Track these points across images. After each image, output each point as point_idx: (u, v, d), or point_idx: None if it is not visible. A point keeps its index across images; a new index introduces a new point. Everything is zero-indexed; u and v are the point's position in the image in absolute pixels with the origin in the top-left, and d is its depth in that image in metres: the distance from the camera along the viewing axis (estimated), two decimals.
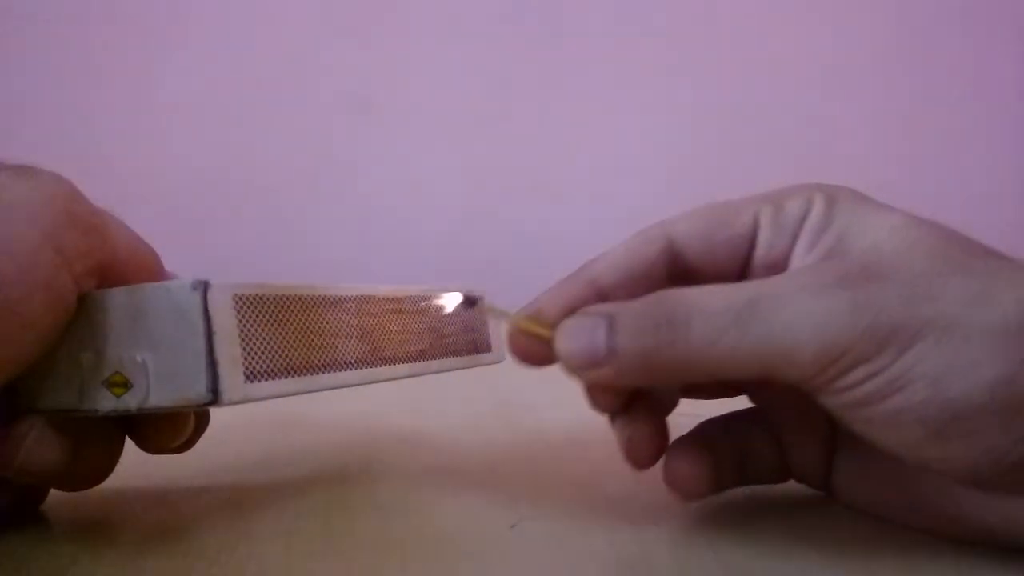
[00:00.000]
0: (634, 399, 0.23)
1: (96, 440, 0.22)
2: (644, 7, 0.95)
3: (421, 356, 0.24)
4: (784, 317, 0.18)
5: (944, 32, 0.98)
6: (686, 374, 0.20)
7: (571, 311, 0.21)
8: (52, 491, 0.25)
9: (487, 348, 0.28)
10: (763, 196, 0.23)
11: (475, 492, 0.26)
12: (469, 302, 0.22)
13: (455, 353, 0.26)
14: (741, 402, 0.26)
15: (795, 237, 0.22)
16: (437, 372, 0.25)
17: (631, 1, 0.95)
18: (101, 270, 0.21)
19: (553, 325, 0.21)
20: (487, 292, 0.28)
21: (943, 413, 0.17)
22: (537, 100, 0.95)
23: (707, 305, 0.19)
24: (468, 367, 0.27)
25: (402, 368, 0.24)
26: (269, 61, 0.91)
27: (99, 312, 0.19)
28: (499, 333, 0.29)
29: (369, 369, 0.22)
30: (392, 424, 0.37)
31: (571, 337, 0.20)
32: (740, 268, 0.23)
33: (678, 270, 0.23)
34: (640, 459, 0.23)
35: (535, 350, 0.22)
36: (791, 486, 0.25)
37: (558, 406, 0.41)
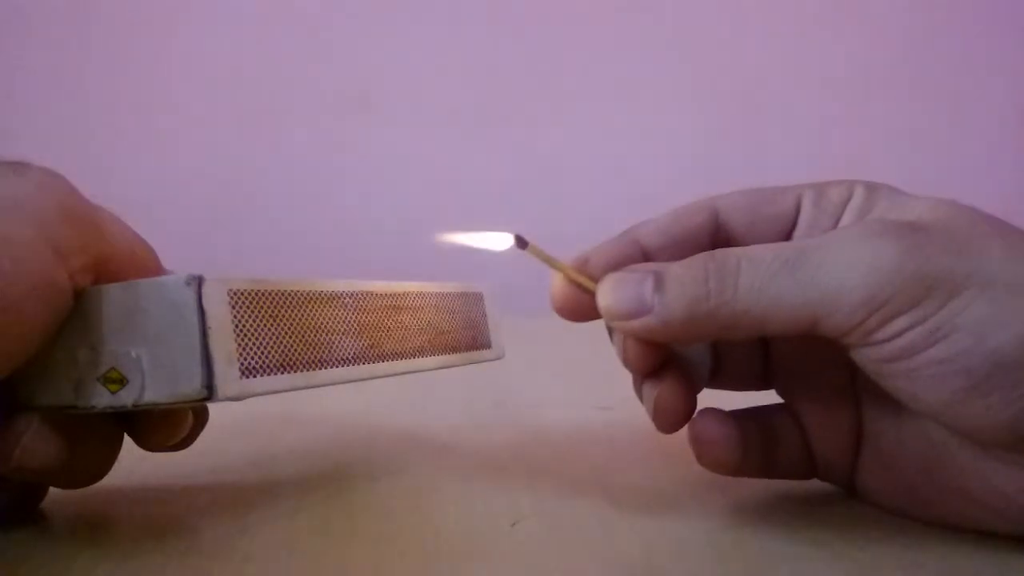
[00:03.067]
0: (665, 365, 0.23)
1: (94, 437, 0.22)
2: (646, 5, 0.95)
3: (420, 352, 0.24)
4: (831, 264, 0.19)
5: (946, 34, 0.97)
6: (732, 325, 0.20)
7: (615, 267, 0.22)
8: (51, 489, 0.25)
9: (487, 345, 0.28)
10: (806, 183, 0.23)
11: (475, 492, 0.26)
12: (521, 243, 0.22)
13: (455, 350, 0.26)
14: (767, 398, 0.25)
15: (837, 219, 0.22)
16: (436, 369, 0.25)
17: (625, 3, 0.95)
18: (97, 266, 0.21)
19: (596, 279, 0.22)
20: (486, 289, 0.28)
21: (985, 363, 0.17)
22: (537, 98, 0.95)
23: (756, 254, 0.19)
24: (468, 364, 0.27)
25: (400, 365, 0.23)
26: (270, 59, 0.91)
27: (95, 308, 0.19)
28: (500, 330, 0.29)
29: (367, 366, 0.22)
30: (392, 423, 0.37)
31: (617, 287, 0.21)
32: None
33: (720, 241, 0.23)
34: (666, 420, 0.23)
35: (576, 301, 0.22)
36: (800, 486, 0.25)
37: (558, 405, 0.41)
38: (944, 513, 0.21)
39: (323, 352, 0.21)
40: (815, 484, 0.25)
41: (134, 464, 0.25)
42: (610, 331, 0.24)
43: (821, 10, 0.97)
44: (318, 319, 0.21)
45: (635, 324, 0.21)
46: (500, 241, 0.23)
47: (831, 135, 0.97)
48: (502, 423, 0.37)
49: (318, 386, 0.21)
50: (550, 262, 0.23)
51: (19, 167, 0.20)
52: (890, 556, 0.20)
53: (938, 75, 0.97)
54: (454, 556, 0.21)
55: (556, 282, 0.23)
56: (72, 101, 0.89)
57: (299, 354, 0.20)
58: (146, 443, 0.23)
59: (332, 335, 0.21)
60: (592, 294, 0.22)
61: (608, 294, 0.21)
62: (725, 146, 0.96)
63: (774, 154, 0.94)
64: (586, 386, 0.46)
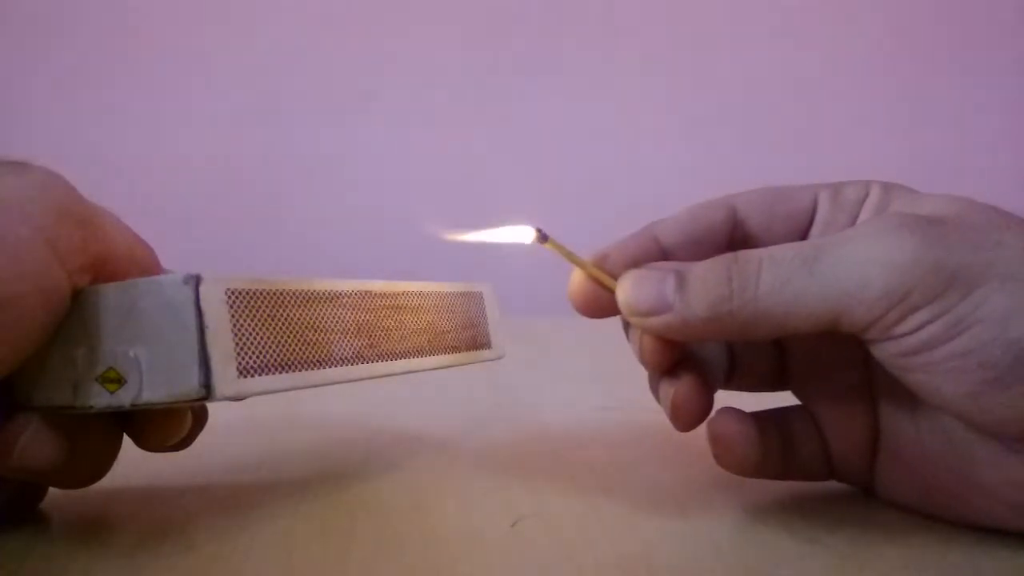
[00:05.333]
0: (681, 363, 0.23)
1: (93, 437, 0.22)
2: (641, 8, 0.95)
3: (419, 352, 0.24)
4: (850, 260, 0.19)
5: (941, 38, 0.97)
6: (753, 324, 0.20)
7: (635, 264, 0.22)
8: (51, 489, 0.25)
9: (487, 345, 0.28)
10: (822, 182, 0.24)
11: (475, 492, 0.26)
12: (541, 237, 0.22)
13: (454, 350, 0.26)
14: (781, 400, 0.25)
15: (854, 217, 0.22)
16: (435, 369, 0.25)
17: (628, 1, 0.95)
18: (95, 266, 0.21)
19: (616, 275, 0.22)
20: (486, 289, 0.28)
21: (1006, 355, 0.17)
22: (538, 98, 0.95)
23: (777, 254, 0.20)
24: (467, 364, 0.27)
25: (399, 364, 0.23)
26: (270, 59, 0.92)
27: (92, 308, 0.19)
28: (500, 330, 0.28)
29: (366, 365, 0.22)
30: (392, 423, 0.37)
31: (638, 284, 0.21)
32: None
33: (738, 239, 0.23)
34: (684, 418, 0.23)
35: (595, 297, 0.23)
36: (803, 487, 0.25)
37: (558, 405, 0.41)
38: (964, 510, 0.21)
39: (322, 352, 0.20)
40: (818, 484, 0.25)
41: (134, 464, 0.24)
42: (626, 329, 0.24)
43: (821, 10, 0.97)
44: (317, 318, 0.21)
45: (655, 321, 0.21)
46: (520, 235, 0.23)
47: (833, 136, 0.97)
48: (502, 423, 0.37)
49: (317, 386, 0.20)
50: (570, 257, 0.23)
51: (18, 167, 0.20)
52: (893, 557, 0.20)
53: (937, 76, 0.97)
54: (454, 556, 0.21)
55: (575, 278, 0.23)
56: (71, 101, 0.89)
57: (297, 354, 0.20)
58: (145, 443, 0.23)
59: (331, 335, 0.21)
60: (611, 291, 0.22)
61: (629, 290, 0.21)
62: (727, 145, 0.96)
63: (776, 153, 0.94)
64: (586, 386, 0.46)
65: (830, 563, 0.20)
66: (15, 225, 0.18)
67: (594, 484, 0.26)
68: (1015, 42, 0.97)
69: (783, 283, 0.19)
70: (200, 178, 0.91)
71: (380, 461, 0.30)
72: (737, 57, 0.96)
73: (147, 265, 0.23)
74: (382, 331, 0.23)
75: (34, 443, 0.20)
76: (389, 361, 0.23)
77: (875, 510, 0.23)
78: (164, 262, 0.25)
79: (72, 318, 0.20)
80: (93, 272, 0.21)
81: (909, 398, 0.21)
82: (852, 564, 0.20)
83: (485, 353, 0.28)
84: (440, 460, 0.30)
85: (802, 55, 0.97)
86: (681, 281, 0.20)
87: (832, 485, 0.25)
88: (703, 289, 0.20)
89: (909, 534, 0.21)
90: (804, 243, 0.20)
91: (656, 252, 0.23)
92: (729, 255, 0.20)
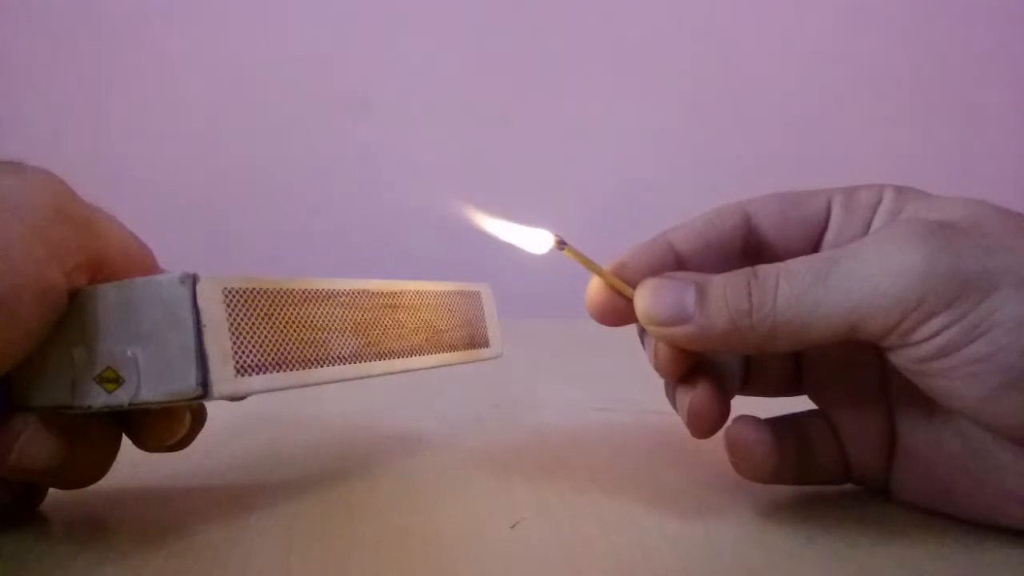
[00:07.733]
0: (697, 370, 0.23)
1: (91, 437, 0.22)
2: (640, 7, 0.95)
3: (417, 351, 0.24)
4: (864, 269, 0.19)
5: (940, 39, 0.97)
6: (772, 337, 0.20)
7: (652, 273, 0.22)
8: (52, 489, 0.25)
9: (485, 344, 0.28)
10: (835, 187, 0.24)
11: (475, 492, 0.26)
12: (560, 244, 0.22)
13: (452, 348, 0.26)
14: (797, 404, 0.25)
15: (868, 222, 0.22)
16: (434, 367, 0.25)
17: (627, 1, 0.95)
18: (93, 266, 0.21)
19: (633, 284, 0.22)
20: (484, 288, 0.28)
21: (1023, 359, 0.17)
22: (535, 98, 0.95)
23: (792, 267, 0.20)
24: (465, 362, 0.26)
25: (398, 363, 0.23)
26: (271, 60, 0.92)
27: (90, 307, 0.19)
28: (498, 329, 0.28)
29: (363, 364, 0.22)
30: (392, 424, 0.37)
31: (657, 293, 0.21)
32: (812, 249, 0.23)
33: (752, 245, 0.24)
34: (701, 425, 0.23)
35: (612, 305, 0.23)
36: (803, 489, 0.25)
37: (558, 406, 0.41)
38: (980, 511, 0.21)
39: (319, 350, 0.20)
40: (827, 486, 0.25)
41: (134, 464, 0.25)
42: (641, 336, 0.24)
43: (822, 9, 0.97)
44: (314, 317, 0.21)
45: (674, 331, 0.21)
46: (538, 240, 0.23)
47: (834, 136, 0.97)
48: (502, 424, 0.37)
49: (314, 384, 0.20)
50: (588, 265, 0.23)
51: (15, 167, 0.20)
52: (906, 557, 0.20)
53: (937, 76, 0.97)
54: (454, 557, 0.21)
55: (593, 286, 0.23)
56: (70, 101, 0.90)
57: (295, 352, 0.20)
58: (144, 443, 0.23)
59: (328, 333, 0.21)
60: (629, 299, 0.22)
61: (648, 299, 0.21)
62: (725, 146, 0.95)
63: (777, 155, 0.94)
64: (586, 387, 0.46)
65: (828, 563, 0.20)
66: (12, 225, 0.18)
67: (594, 484, 0.26)
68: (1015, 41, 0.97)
69: (800, 296, 0.19)
70: (199, 179, 0.91)
71: (380, 461, 0.30)
72: (748, 58, 0.96)
73: (145, 265, 0.23)
74: (380, 330, 0.23)
75: (33, 443, 0.20)
76: (387, 360, 0.23)
77: (888, 512, 0.23)
78: (162, 263, 0.25)
79: (70, 318, 0.20)
80: (90, 272, 0.21)
81: (926, 401, 0.21)
82: (860, 567, 0.20)
83: (483, 352, 0.28)
84: (440, 460, 0.30)
85: (814, 55, 0.97)
86: (701, 293, 0.21)
87: (842, 486, 0.25)
88: (723, 302, 0.20)
89: (922, 535, 0.21)
90: (819, 255, 0.20)
91: (671, 259, 0.23)
92: (748, 269, 0.21)
